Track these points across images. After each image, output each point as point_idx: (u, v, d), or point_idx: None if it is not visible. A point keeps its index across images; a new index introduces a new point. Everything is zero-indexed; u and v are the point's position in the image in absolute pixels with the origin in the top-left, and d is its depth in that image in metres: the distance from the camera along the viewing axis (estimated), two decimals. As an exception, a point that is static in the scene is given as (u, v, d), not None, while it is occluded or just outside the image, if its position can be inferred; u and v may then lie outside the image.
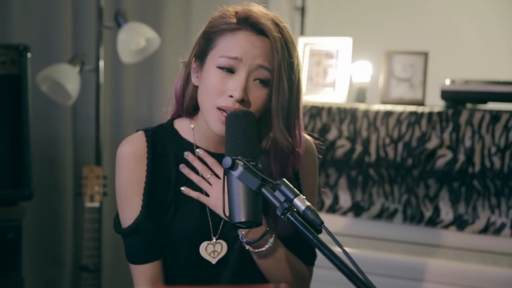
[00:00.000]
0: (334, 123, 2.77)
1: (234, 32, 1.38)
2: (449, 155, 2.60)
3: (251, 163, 1.25)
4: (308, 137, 1.57)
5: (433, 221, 2.64)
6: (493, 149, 2.54)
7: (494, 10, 3.08)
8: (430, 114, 2.62)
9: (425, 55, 2.84)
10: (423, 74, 2.81)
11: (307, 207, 1.19)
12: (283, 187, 1.22)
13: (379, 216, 2.71)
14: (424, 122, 2.63)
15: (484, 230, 2.57)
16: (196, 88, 1.46)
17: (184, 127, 1.51)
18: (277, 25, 1.38)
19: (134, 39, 2.79)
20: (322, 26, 3.56)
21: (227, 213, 1.26)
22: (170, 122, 1.53)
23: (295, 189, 1.21)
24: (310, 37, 3.00)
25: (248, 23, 1.37)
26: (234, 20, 1.38)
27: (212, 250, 1.47)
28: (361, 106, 2.75)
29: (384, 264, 2.50)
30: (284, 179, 1.23)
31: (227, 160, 1.24)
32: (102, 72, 2.91)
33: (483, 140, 2.55)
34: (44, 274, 3.11)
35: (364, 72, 2.92)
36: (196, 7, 3.53)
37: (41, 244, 3.10)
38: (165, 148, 1.49)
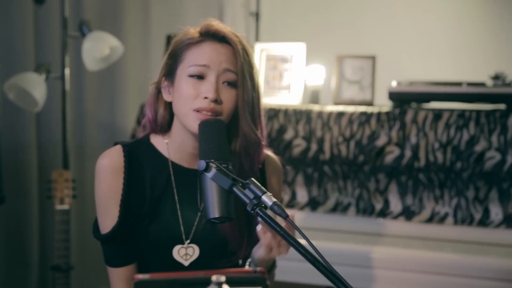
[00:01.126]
0: (290, 123, 2.95)
1: (199, 44, 1.55)
2: (396, 151, 2.81)
3: (223, 165, 1.41)
4: (274, 155, 1.75)
5: (384, 213, 2.85)
6: (436, 145, 2.77)
7: (435, 16, 3.31)
8: (379, 113, 2.83)
9: (373, 58, 3.05)
10: (372, 76, 3.02)
11: (274, 202, 1.36)
12: (252, 186, 1.38)
13: (333, 209, 2.90)
14: (373, 121, 2.83)
15: (430, 220, 2.79)
16: (167, 105, 1.62)
17: (160, 142, 1.66)
18: (234, 34, 1.57)
19: (99, 48, 2.91)
20: (276, 31, 3.74)
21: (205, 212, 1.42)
22: (147, 137, 1.68)
23: (262, 187, 1.38)
24: (266, 43, 3.17)
25: (210, 34, 1.56)
26: (197, 34, 1.57)
27: (185, 253, 1.62)
28: (316, 108, 2.94)
29: (339, 254, 2.69)
30: (253, 179, 1.39)
31: (202, 163, 1.40)
32: (68, 80, 3.02)
33: (427, 136, 2.77)
34: (12, 275, 3.21)
35: (317, 75, 3.11)
36: (155, 15, 3.66)
37: (9, 247, 3.19)
38: (141, 162, 1.63)
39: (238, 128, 1.59)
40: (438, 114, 2.77)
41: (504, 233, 2.72)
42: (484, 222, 2.73)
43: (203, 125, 1.48)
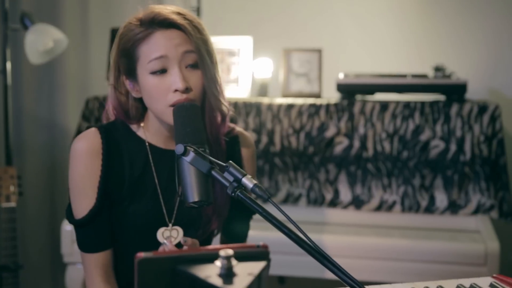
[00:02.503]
0: (240, 116, 2.96)
1: (149, 37, 1.49)
2: (345, 142, 2.87)
3: (200, 149, 1.40)
4: (246, 132, 1.75)
5: (334, 202, 2.90)
6: (383, 135, 2.84)
7: (377, 10, 3.40)
8: (328, 105, 2.88)
9: (319, 52, 3.10)
10: (319, 69, 3.07)
11: (255, 184, 1.36)
12: (231, 169, 1.38)
13: (285, 201, 2.93)
14: (322, 113, 2.88)
15: (378, 208, 2.87)
16: (136, 98, 1.59)
17: (136, 125, 1.64)
18: (179, 13, 1.51)
19: (42, 40, 2.83)
20: (219, 25, 3.73)
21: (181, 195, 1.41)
22: (122, 119, 1.64)
23: (242, 170, 1.38)
24: (213, 36, 3.16)
25: (155, 23, 1.49)
26: (142, 28, 1.50)
27: (168, 236, 1.61)
28: (265, 100, 2.96)
29: (292, 244, 2.71)
30: (232, 162, 1.40)
31: (180, 147, 1.39)
32: (10, 74, 2.92)
33: (375, 127, 2.85)
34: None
35: (265, 68, 3.13)
36: (94, 8, 3.58)
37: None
38: (118, 144, 1.60)
39: (205, 104, 1.58)
40: (384, 105, 2.85)
41: (448, 218, 2.82)
42: (430, 209, 2.82)
43: (178, 109, 1.47)
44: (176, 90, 1.49)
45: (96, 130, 1.59)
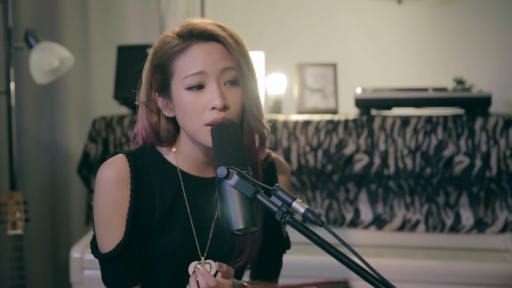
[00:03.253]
0: (254, 134, 2.85)
1: (186, 50, 1.39)
2: (365, 159, 2.76)
3: (244, 171, 1.29)
4: (282, 159, 1.64)
5: (354, 223, 2.78)
6: (405, 151, 2.73)
7: (388, 24, 3.32)
8: (346, 121, 2.77)
9: (334, 66, 3.00)
10: (334, 84, 2.97)
11: (307, 209, 1.24)
12: (279, 192, 1.26)
13: (303, 222, 2.80)
14: (340, 129, 2.77)
15: (401, 227, 2.75)
16: (168, 119, 1.48)
17: (166, 149, 1.51)
18: (219, 26, 1.41)
19: (48, 59, 2.71)
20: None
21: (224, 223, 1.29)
22: (151, 144, 1.51)
23: (291, 193, 1.27)
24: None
25: (194, 35, 1.39)
26: (179, 40, 1.40)
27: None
28: (280, 117, 2.85)
29: (313, 267, 2.58)
30: (279, 185, 1.28)
31: (222, 170, 1.27)
32: (13, 95, 2.79)
33: (396, 143, 2.74)
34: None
35: (278, 84, 3.02)
36: (94, 26, 3.47)
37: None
38: (148, 172, 1.47)
39: (242, 125, 1.46)
40: (405, 120, 2.74)
41: (475, 237, 2.71)
42: (455, 227, 2.71)
43: (218, 128, 1.35)
44: (213, 108, 1.38)
45: (123, 157, 1.47)
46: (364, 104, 2.80)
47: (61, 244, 3.34)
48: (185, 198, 1.48)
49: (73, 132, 3.40)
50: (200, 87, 1.39)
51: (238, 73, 1.39)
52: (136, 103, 1.50)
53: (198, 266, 1.41)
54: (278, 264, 1.66)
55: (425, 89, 2.80)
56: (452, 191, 2.72)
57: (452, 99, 2.77)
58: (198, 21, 1.40)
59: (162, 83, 1.42)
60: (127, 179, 1.44)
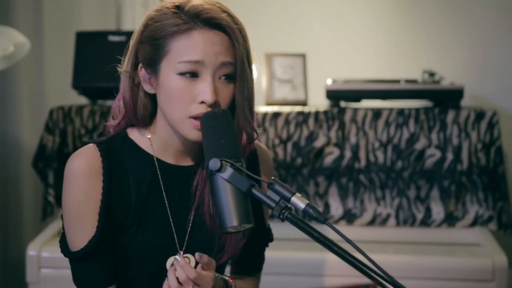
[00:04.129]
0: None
1: (188, 33, 1.28)
2: (336, 152, 2.69)
3: (238, 163, 1.19)
4: (263, 145, 1.55)
5: (324, 217, 2.71)
6: (376, 144, 2.68)
7: (357, 15, 3.26)
8: (317, 113, 2.70)
9: (303, 56, 2.91)
10: (303, 75, 2.89)
11: (307, 204, 1.16)
12: (277, 186, 1.18)
13: (271, 217, 2.72)
14: (311, 121, 2.69)
15: (371, 222, 2.69)
16: (149, 95, 1.37)
17: (140, 137, 1.40)
18: (229, 14, 1.31)
19: (1, 45, 2.54)
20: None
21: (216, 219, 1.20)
22: (123, 132, 1.41)
23: (290, 187, 1.18)
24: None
25: (200, 19, 1.28)
26: (182, 19, 1.29)
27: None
28: (248, 108, 2.75)
29: (282, 263, 2.50)
30: (276, 178, 1.19)
31: (215, 162, 1.17)
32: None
33: (367, 136, 2.68)
34: None
35: (245, 74, 2.92)
36: (47, 12, 3.29)
37: None
38: (122, 162, 1.37)
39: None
40: (377, 112, 2.68)
41: (445, 231, 2.68)
42: (426, 221, 2.67)
43: (208, 118, 1.24)
44: (202, 102, 1.28)
45: (94, 146, 1.36)
46: (335, 96, 2.73)
47: (13, 242, 3.16)
48: (162, 188, 1.39)
49: (26, 122, 3.22)
50: (193, 75, 1.28)
51: (238, 70, 1.30)
52: (119, 70, 1.39)
53: (177, 257, 1.32)
54: (261, 258, 1.58)
55: (397, 81, 2.75)
56: (423, 185, 2.68)
57: (424, 91, 2.73)
58: (209, 6, 1.29)
59: (151, 57, 1.31)
60: (99, 170, 1.33)
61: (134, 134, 1.41)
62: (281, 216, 1.16)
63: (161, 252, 1.37)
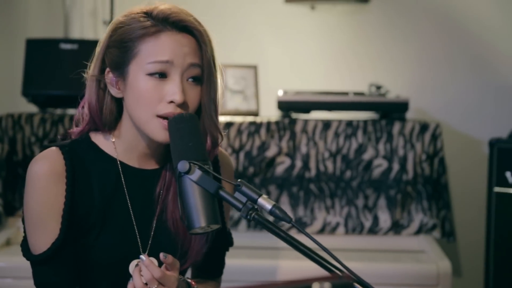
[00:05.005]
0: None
1: (157, 35, 1.31)
2: (287, 161, 2.75)
3: (206, 166, 1.22)
4: (224, 151, 1.58)
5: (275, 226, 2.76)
6: (326, 154, 2.75)
7: (300, 29, 3.35)
8: (268, 123, 2.75)
9: (255, 68, 2.97)
10: (255, 86, 2.94)
11: (274, 205, 1.20)
12: (244, 188, 1.22)
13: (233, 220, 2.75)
14: (263, 131, 2.75)
15: (321, 230, 2.76)
16: (114, 99, 1.39)
17: (103, 141, 1.41)
18: (195, 19, 1.35)
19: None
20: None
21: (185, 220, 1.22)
22: (86, 136, 1.42)
23: (256, 189, 1.22)
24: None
25: (169, 22, 1.32)
26: (151, 22, 1.32)
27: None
28: (201, 118, 2.78)
29: (233, 270, 2.53)
30: (243, 180, 1.23)
31: (184, 165, 1.20)
32: None
33: (317, 146, 2.75)
34: None
35: (198, 85, 2.96)
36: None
37: None
38: (85, 165, 1.37)
39: None
40: (327, 123, 2.76)
41: (392, 239, 2.77)
42: (373, 229, 2.76)
43: (176, 121, 1.27)
44: (171, 102, 1.30)
45: (57, 149, 1.36)
46: (286, 107, 2.79)
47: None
48: (126, 191, 1.40)
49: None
50: (162, 75, 1.31)
51: (205, 72, 1.33)
52: (85, 75, 1.40)
53: (142, 257, 1.32)
54: (222, 262, 1.60)
55: (345, 93, 2.84)
56: (371, 194, 2.77)
57: (371, 103, 2.83)
58: (177, 10, 1.33)
59: (118, 60, 1.33)
60: (62, 173, 1.34)
61: (97, 138, 1.42)
62: (248, 217, 1.19)
63: (123, 256, 1.38)
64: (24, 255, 1.38)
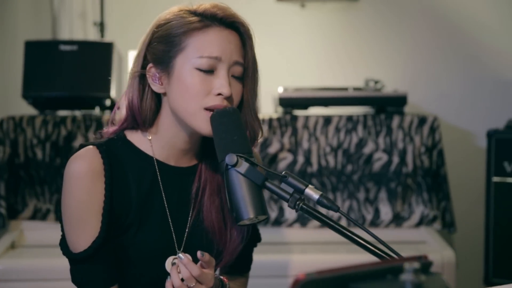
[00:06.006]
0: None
1: (205, 30, 1.34)
2: (289, 157, 2.78)
3: (251, 158, 1.25)
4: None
5: (278, 221, 2.79)
6: (328, 149, 2.79)
7: (291, 27, 3.39)
8: (270, 120, 2.78)
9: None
10: (254, 84, 2.97)
11: (321, 195, 1.23)
12: (290, 179, 1.25)
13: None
14: (265, 128, 2.77)
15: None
16: (154, 96, 1.40)
17: (139, 139, 1.43)
18: (243, 19, 1.39)
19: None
20: (128, 41, 3.52)
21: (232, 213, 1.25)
22: (122, 135, 1.44)
23: (302, 180, 1.25)
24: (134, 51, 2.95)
25: (217, 18, 1.35)
26: (198, 18, 1.35)
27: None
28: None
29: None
30: (288, 172, 1.26)
31: (232, 157, 1.23)
32: None
33: (318, 141, 2.79)
34: None
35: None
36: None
37: None
38: (122, 163, 1.39)
39: None
40: (328, 119, 2.80)
41: (393, 231, 2.82)
42: (375, 222, 2.80)
43: (220, 115, 1.30)
44: (219, 94, 1.33)
45: (94, 148, 1.38)
46: (287, 103, 2.82)
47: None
48: (162, 189, 1.42)
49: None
50: (210, 71, 1.33)
51: (250, 68, 1.37)
52: (131, 73, 1.41)
53: (180, 255, 1.35)
54: (249, 258, 1.63)
55: (345, 89, 2.88)
56: (372, 187, 2.81)
57: (371, 98, 2.87)
58: (223, 6, 1.37)
59: (163, 55, 1.35)
60: (101, 171, 1.36)
61: (132, 137, 1.44)
62: (296, 207, 1.22)
63: (160, 253, 1.40)
64: (64, 253, 1.39)
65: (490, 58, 3.31)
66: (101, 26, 3.62)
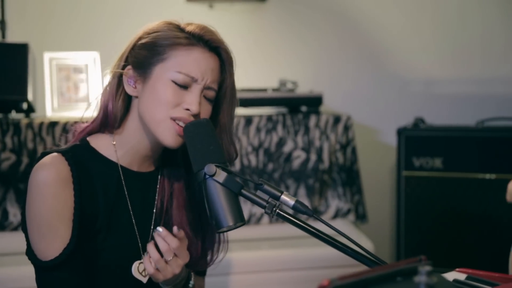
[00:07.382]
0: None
1: (189, 48, 1.39)
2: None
3: (228, 167, 1.31)
4: None
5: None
6: (249, 148, 2.88)
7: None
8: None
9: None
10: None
11: (296, 201, 1.31)
12: (266, 187, 1.31)
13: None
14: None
15: (247, 221, 2.88)
16: (126, 98, 1.42)
17: (103, 145, 1.45)
18: (226, 46, 1.45)
19: None
20: (62, 41, 3.40)
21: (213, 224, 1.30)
22: (84, 141, 1.44)
23: (276, 186, 1.32)
24: (56, 52, 2.89)
25: (203, 40, 1.40)
26: (186, 35, 1.40)
27: (143, 269, 1.45)
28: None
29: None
30: (263, 180, 1.32)
31: (211, 167, 1.27)
32: None
33: (241, 141, 2.87)
34: None
35: (117, 85, 2.94)
36: None
37: None
38: (88, 170, 1.41)
39: None
40: (249, 119, 2.88)
41: (313, 224, 2.93)
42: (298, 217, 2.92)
43: (195, 126, 1.34)
44: (187, 109, 1.38)
45: (59, 155, 1.39)
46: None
47: None
48: (126, 194, 1.45)
49: None
50: (184, 87, 1.38)
51: (228, 93, 1.44)
52: (110, 72, 1.45)
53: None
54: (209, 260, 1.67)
55: (264, 90, 2.97)
56: (291, 184, 2.93)
57: (289, 98, 2.99)
58: (210, 30, 1.42)
59: (144, 61, 1.39)
60: (69, 178, 1.37)
61: (96, 143, 1.45)
62: (271, 214, 1.29)
63: (126, 257, 1.44)
64: (33, 262, 1.38)
65: (394, 59, 3.52)
66: (2, 23, 3.49)
